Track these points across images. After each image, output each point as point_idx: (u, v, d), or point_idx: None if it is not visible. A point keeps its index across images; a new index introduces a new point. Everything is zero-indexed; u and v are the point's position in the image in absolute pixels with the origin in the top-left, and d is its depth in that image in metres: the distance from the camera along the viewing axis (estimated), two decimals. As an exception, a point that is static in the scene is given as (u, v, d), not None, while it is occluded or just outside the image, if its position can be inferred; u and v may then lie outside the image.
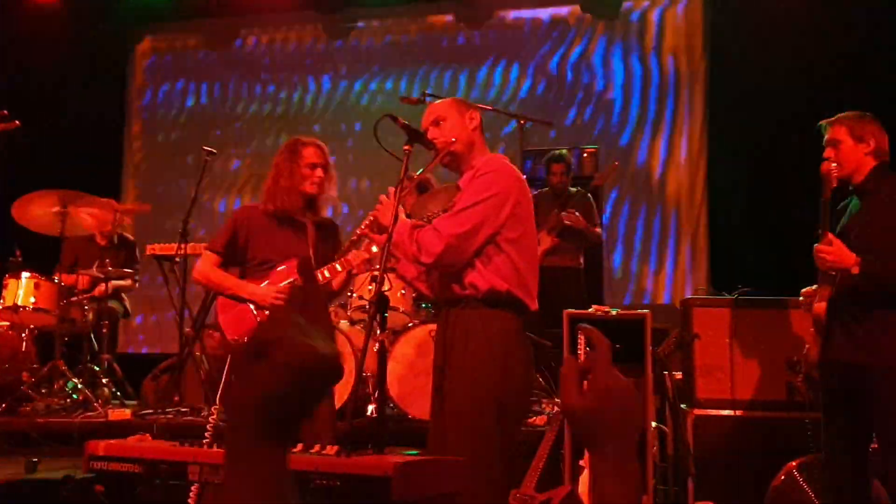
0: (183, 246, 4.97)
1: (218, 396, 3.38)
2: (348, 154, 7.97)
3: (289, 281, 3.49)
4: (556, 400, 4.70)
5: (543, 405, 4.72)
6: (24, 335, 5.38)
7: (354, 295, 5.09)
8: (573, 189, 6.13)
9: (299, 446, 2.05)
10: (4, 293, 5.29)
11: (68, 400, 5.20)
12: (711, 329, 4.16)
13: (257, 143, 8.49)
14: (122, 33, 8.75)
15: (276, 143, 8.43)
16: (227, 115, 8.65)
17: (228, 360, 3.42)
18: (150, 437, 2.25)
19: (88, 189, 5.58)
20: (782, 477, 3.80)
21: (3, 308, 5.28)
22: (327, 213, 3.76)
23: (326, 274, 3.49)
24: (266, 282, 3.50)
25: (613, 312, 3.94)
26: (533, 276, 2.77)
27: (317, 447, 2.00)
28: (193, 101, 8.79)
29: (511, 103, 7.70)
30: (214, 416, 3.25)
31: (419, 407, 4.56)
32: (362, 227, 2.88)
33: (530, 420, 4.38)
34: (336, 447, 1.97)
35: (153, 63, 9.03)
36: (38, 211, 5.34)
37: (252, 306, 3.48)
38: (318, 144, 3.63)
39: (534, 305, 2.76)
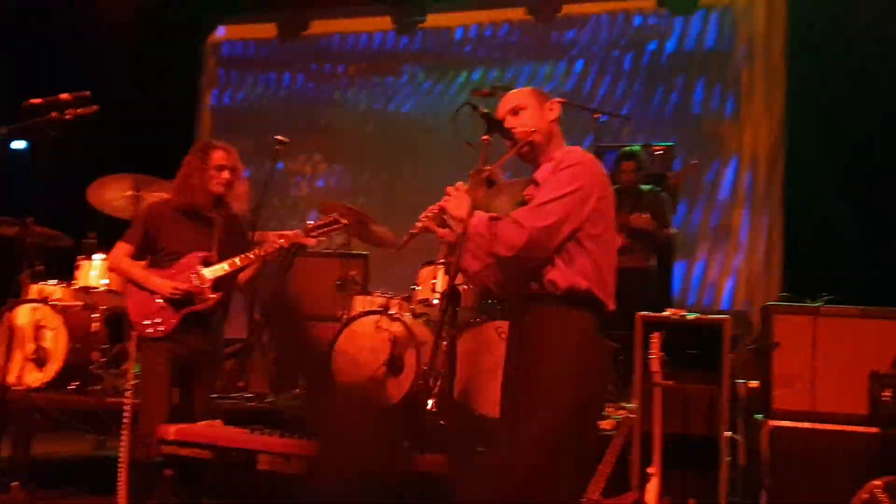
0: (253, 232, 4.98)
1: None
2: (422, 146, 7.92)
3: (193, 271, 3.80)
4: (624, 404, 4.58)
5: (611, 409, 4.59)
6: (95, 316, 5.46)
7: (418, 287, 5.05)
8: (645, 187, 5.97)
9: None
10: (77, 274, 5.38)
11: (137, 380, 5.26)
12: (792, 337, 3.99)
13: (325, 132, 8.51)
14: (195, 21, 8.87)
15: (346, 132, 8.47)
16: (295, 104, 8.70)
17: None
18: (221, 423, 2.23)
19: (161, 174, 5.65)
20: (865, 496, 3.61)
21: (76, 289, 5.38)
22: (239, 208, 4.03)
23: (226, 267, 3.78)
24: (170, 272, 3.82)
25: (690, 317, 3.80)
26: (612, 274, 2.68)
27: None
28: (263, 89, 8.86)
29: (582, 98, 7.55)
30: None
31: (484, 404, 4.48)
32: (422, 219, 2.80)
33: (599, 424, 4.26)
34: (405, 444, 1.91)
35: (225, 51, 9.14)
36: (113, 194, 5.43)
37: (155, 296, 3.79)
38: (226, 148, 3.94)
39: (612, 305, 2.67)
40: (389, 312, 4.77)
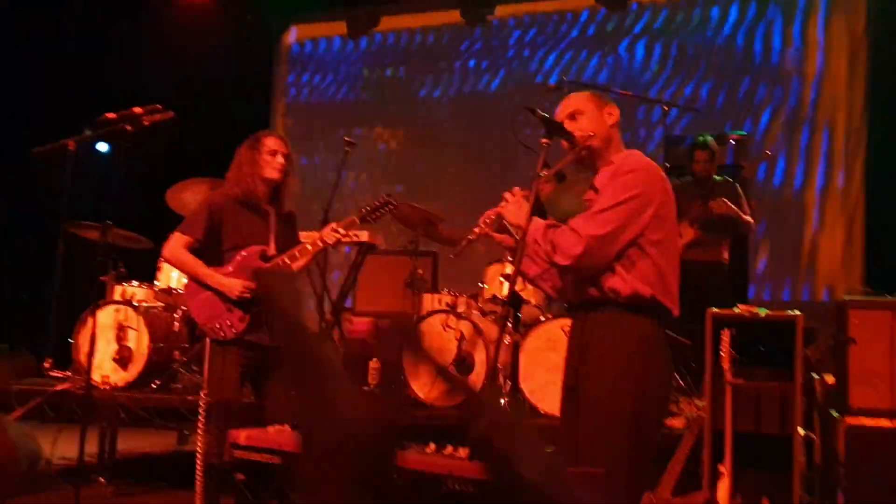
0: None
1: None
2: (487, 145, 7.94)
3: (252, 269, 3.63)
4: (696, 401, 4.52)
5: (682, 406, 4.54)
6: (176, 316, 5.67)
7: (485, 286, 5.08)
8: (718, 178, 5.85)
9: (432, 446, 2.03)
10: (159, 276, 5.59)
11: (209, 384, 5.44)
12: (870, 333, 3.86)
13: (397, 126, 8.59)
14: (267, 23, 9.07)
15: (419, 127, 8.53)
16: (366, 103, 8.81)
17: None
18: (289, 428, 2.30)
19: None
20: (946, 497, 3.49)
21: (159, 290, 5.59)
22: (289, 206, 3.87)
23: (287, 260, 3.66)
24: (230, 269, 3.66)
25: (762, 314, 3.72)
26: (675, 278, 2.64)
27: (449, 448, 1.97)
28: (335, 89, 9.00)
29: (653, 87, 7.43)
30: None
31: (549, 402, 4.49)
32: (481, 224, 2.81)
33: (668, 421, 4.22)
34: (468, 449, 1.94)
35: (297, 52, 9.32)
36: (191, 198, 5.60)
37: (221, 296, 3.61)
38: (279, 135, 3.81)
39: (676, 310, 2.63)
40: (457, 311, 4.81)
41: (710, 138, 5.96)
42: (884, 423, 3.80)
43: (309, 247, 3.71)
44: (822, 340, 4.50)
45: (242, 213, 3.72)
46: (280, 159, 3.72)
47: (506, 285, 4.89)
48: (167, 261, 3.85)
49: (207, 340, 3.65)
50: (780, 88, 7.24)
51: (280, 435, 2.22)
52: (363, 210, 3.80)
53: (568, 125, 2.70)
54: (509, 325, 2.70)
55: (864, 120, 6.90)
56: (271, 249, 3.73)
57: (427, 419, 4.64)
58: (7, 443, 0.89)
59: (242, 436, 2.24)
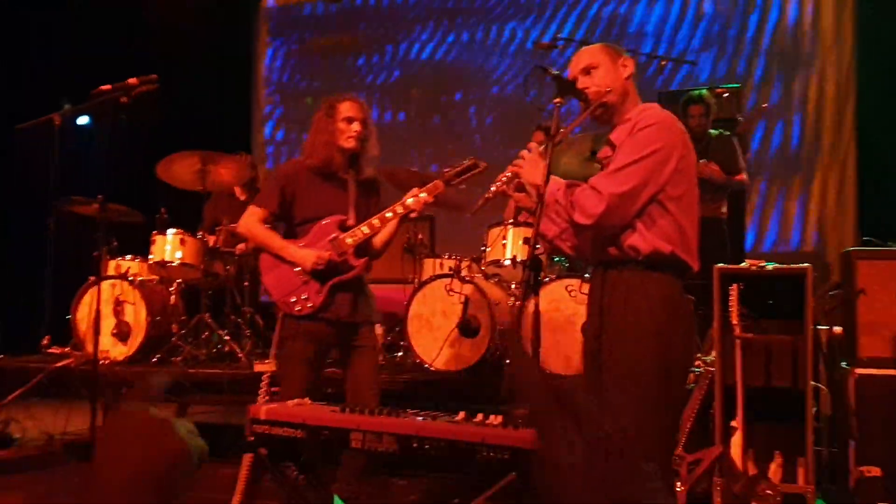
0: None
1: None
2: (486, 108, 7.84)
3: (331, 237, 3.48)
4: (704, 357, 4.51)
5: (690, 363, 4.53)
6: (171, 289, 5.60)
7: (488, 249, 5.03)
8: (713, 132, 5.80)
9: (462, 414, 2.00)
10: (153, 249, 5.51)
11: (214, 351, 5.41)
12: (877, 283, 3.85)
13: (390, 96, 8.46)
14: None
15: (405, 87, 8.40)
16: (355, 68, 8.67)
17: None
18: (308, 401, 2.26)
19: (222, 146, 5.72)
20: (957, 442, 3.51)
21: (152, 263, 5.51)
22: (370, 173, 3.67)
23: (365, 230, 3.48)
24: (305, 240, 3.50)
25: (770, 267, 3.70)
26: (695, 234, 2.60)
27: (479, 416, 1.93)
28: (320, 55, 8.84)
29: (643, 40, 7.33)
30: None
31: (556, 362, 4.47)
32: (497, 184, 2.74)
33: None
34: (501, 417, 1.91)
35: (277, 16, 9.13)
36: (181, 170, 5.51)
37: (296, 269, 3.47)
38: (355, 99, 3.58)
39: (696, 265, 2.59)
40: (460, 275, 4.77)
41: (705, 92, 5.89)
42: (893, 372, 3.81)
43: (389, 214, 3.49)
44: (823, 292, 4.50)
45: (318, 184, 3.55)
46: (356, 126, 3.52)
47: (509, 247, 4.84)
48: (241, 234, 3.69)
49: (280, 315, 3.48)
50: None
51: (301, 408, 2.17)
52: (447, 173, 3.52)
53: (582, 81, 2.63)
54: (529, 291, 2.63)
55: (852, 69, 6.85)
56: (351, 219, 3.56)
57: (433, 384, 4.63)
58: (179, 442, 0.86)
59: (263, 410, 2.20)
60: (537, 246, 2.49)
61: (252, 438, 2.18)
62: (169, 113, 6.99)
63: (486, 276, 4.95)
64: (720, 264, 3.83)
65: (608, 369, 2.47)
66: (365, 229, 3.48)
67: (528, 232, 3.97)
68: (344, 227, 3.52)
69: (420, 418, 2.00)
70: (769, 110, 6.64)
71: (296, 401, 2.26)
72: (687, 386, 4.01)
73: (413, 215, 3.54)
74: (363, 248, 3.54)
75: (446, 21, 8.36)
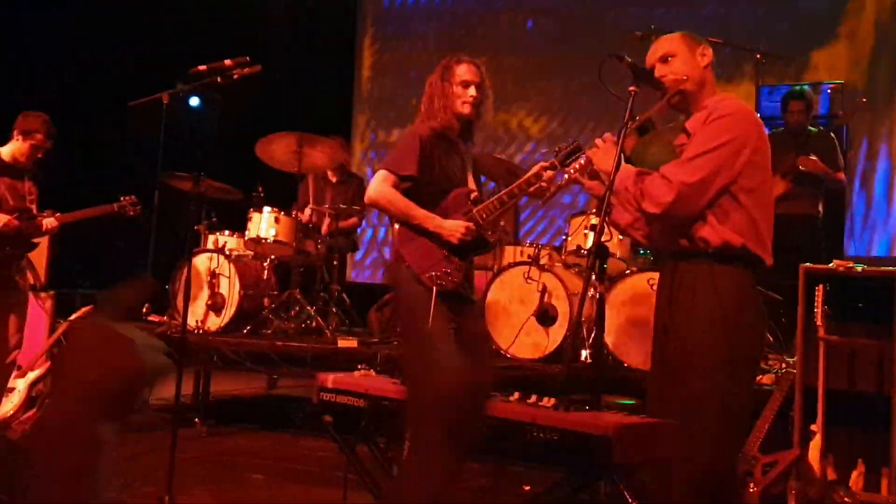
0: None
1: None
2: (573, 95, 7.80)
3: (465, 210, 3.29)
4: (786, 358, 4.40)
5: (771, 363, 4.43)
6: (265, 265, 5.83)
7: (569, 238, 5.02)
8: (813, 129, 5.62)
9: (516, 395, 2.04)
10: (249, 226, 5.74)
11: (302, 325, 5.61)
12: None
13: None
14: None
15: (510, 73, 8.43)
16: (457, 47, 8.74)
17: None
18: (373, 373, 2.34)
19: (322, 128, 5.90)
20: None
21: (248, 239, 5.75)
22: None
23: (498, 205, 3.26)
24: (440, 210, 3.28)
25: (859, 269, 3.57)
26: (769, 228, 2.55)
27: (534, 398, 1.98)
28: (422, 40, 8.95)
29: (746, 34, 7.12)
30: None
31: (635, 356, 4.46)
32: (571, 171, 2.75)
33: (757, 378, 4.13)
34: (553, 399, 1.94)
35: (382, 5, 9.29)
36: (279, 150, 5.72)
37: (438, 242, 3.23)
38: (472, 61, 3.36)
39: (769, 260, 2.54)
40: (539, 263, 4.78)
41: (806, 87, 5.73)
42: None
43: (516, 191, 3.26)
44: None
45: (445, 152, 3.31)
46: (473, 91, 3.28)
47: (591, 237, 4.82)
48: (374, 202, 3.32)
49: (434, 290, 3.11)
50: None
51: (366, 379, 2.26)
52: (558, 154, 3.22)
53: (659, 69, 2.62)
54: (594, 277, 2.62)
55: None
56: (476, 191, 3.36)
57: (508, 370, 4.67)
58: (135, 359, 0.94)
59: (330, 379, 2.30)
60: (604, 233, 2.50)
61: (317, 405, 2.29)
62: (272, 95, 7.26)
63: (566, 266, 4.95)
64: (808, 264, 3.72)
65: (675, 361, 2.46)
66: (497, 204, 3.27)
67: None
68: (473, 201, 3.31)
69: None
70: (868, 106, 6.35)
71: (361, 371, 2.35)
72: (760, 384, 3.94)
73: (547, 194, 3.22)
74: (493, 223, 3.37)
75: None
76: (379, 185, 3.28)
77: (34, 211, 4.72)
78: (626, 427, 1.84)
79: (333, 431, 2.31)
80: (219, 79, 3.45)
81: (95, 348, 0.92)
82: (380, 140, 8.99)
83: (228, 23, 8.40)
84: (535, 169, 3.30)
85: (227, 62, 3.47)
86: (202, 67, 3.45)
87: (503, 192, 3.33)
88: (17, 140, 4.61)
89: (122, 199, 5.03)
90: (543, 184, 3.24)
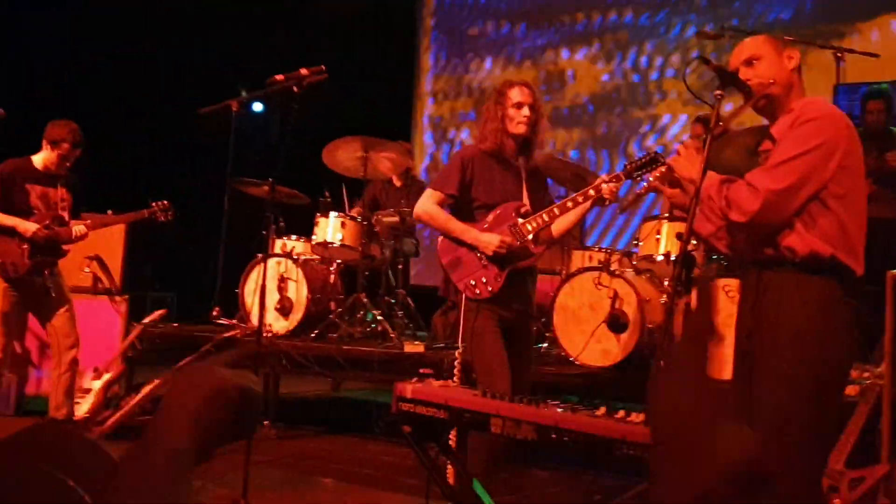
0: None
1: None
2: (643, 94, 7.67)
3: (510, 224, 3.46)
4: (871, 368, 4.23)
5: (856, 373, 4.26)
6: (331, 269, 5.87)
7: (640, 243, 4.93)
8: (894, 129, 5.42)
9: (602, 409, 1.99)
10: (316, 230, 5.78)
11: (368, 329, 5.63)
12: None
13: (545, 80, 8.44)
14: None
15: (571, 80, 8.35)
16: (514, 55, 8.69)
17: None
18: (451, 383, 2.32)
19: (386, 133, 5.91)
20: None
21: (315, 244, 5.79)
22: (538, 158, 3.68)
23: (545, 217, 3.45)
24: (484, 225, 3.49)
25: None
26: (861, 236, 2.44)
27: (622, 413, 1.92)
28: (482, 43, 8.93)
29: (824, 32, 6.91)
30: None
31: (711, 365, 4.34)
32: (651, 179, 2.69)
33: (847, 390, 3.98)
34: (643, 415, 1.88)
35: (440, 8, 9.30)
36: (344, 156, 5.75)
37: (476, 253, 3.45)
38: (524, 83, 3.57)
39: (860, 269, 2.43)
40: (610, 269, 4.71)
41: (885, 86, 5.53)
42: None
43: (570, 203, 3.45)
44: None
45: (494, 169, 3.56)
46: (526, 112, 3.50)
47: (663, 243, 4.72)
48: (419, 217, 3.65)
49: (463, 297, 3.46)
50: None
51: (446, 390, 2.24)
52: (628, 165, 3.42)
53: (744, 72, 2.53)
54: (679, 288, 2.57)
55: None
56: (526, 205, 3.55)
57: (578, 378, 4.61)
58: (233, 386, 0.94)
59: (409, 389, 2.28)
60: (692, 242, 2.43)
61: (397, 415, 2.27)
62: (336, 101, 7.31)
63: (637, 272, 4.85)
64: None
65: (759, 373, 2.38)
66: (545, 217, 3.46)
67: (683, 227, 3.85)
68: (521, 214, 3.50)
69: (560, 410, 2.02)
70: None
71: (440, 382, 2.33)
72: (844, 396, 3.79)
73: (605, 204, 3.46)
74: (541, 236, 3.52)
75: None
76: (423, 201, 3.60)
77: (66, 218, 4.81)
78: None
79: (413, 442, 2.29)
80: (294, 88, 3.47)
81: (194, 385, 0.92)
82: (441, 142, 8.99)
83: (294, 31, 8.50)
84: (596, 182, 3.42)
85: (304, 71, 3.48)
86: (279, 77, 3.47)
87: (554, 205, 3.48)
88: (46, 149, 4.71)
89: (153, 204, 5.08)
90: (605, 196, 3.38)
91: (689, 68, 2.83)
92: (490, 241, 3.42)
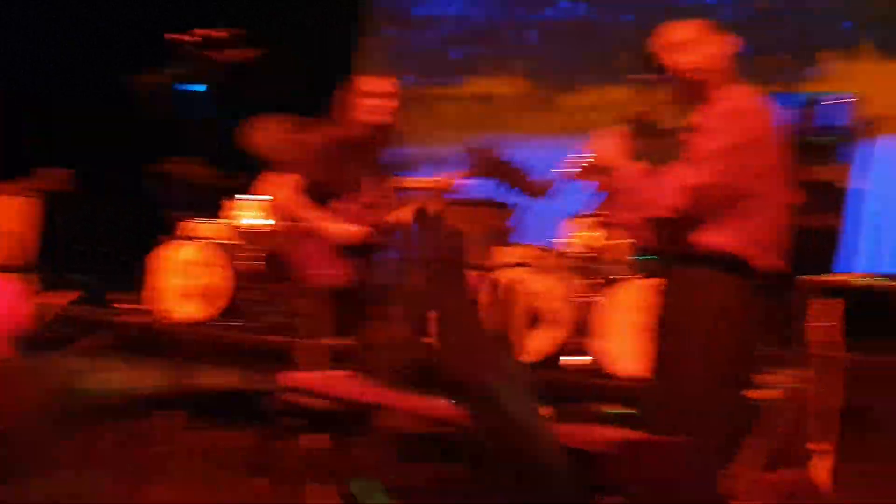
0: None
1: None
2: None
3: (365, 212, 3.48)
4: (795, 373, 4.22)
5: (777, 378, 4.24)
6: (249, 255, 5.59)
7: (568, 239, 4.85)
8: (827, 139, 5.48)
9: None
10: (236, 214, 5.57)
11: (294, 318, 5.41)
12: None
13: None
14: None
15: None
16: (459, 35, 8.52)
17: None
18: (342, 373, 2.16)
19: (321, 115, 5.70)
20: None
21: (242, 229, 5.56)
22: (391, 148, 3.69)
23: (398, 206, 3.46)
24: (339, 213, 3.49)
25: (875, 283, 3.41)
26: (780, 232, 2.39)
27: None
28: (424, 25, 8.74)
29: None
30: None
31: (627, 362, 4.25)
32: (576, 166, 2.58)
33: (765, 393, 3.95)
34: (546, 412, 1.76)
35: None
36: (273, 136, 5.51)
37: (329, 242, 3.46)
38: (377, 75, 3.67)
39: (777, 267, 2.37)
40: (534, 265, 4.60)
41: (816, 96, 5.65)
42: None
43: (421, 191, 3.55)
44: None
45: (348, 158, 3.56)
46: (376, 102, 3.54)
47: (590, 235, 4.64)
48: (277, 207, 3.66)
49: (315, 287, 3.48)
50: None
51: (334, 380, 2.08)
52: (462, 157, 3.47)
53: (671, 57, 2.43)
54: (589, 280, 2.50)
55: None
56: (374, 196, 3.57)
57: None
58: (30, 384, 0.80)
59: (294, 378, 2.12)
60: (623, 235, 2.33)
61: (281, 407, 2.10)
62: (267, 77, 7.06)
63: (563, 268, 4.75)
64: (821, 276, 3.55)
65: (668, 368, 2.35)
66: (398, 205, 3.49)
67: (612, 222, 3.78)
68: (375, 203, 3.52)
69: (452, 402, 1.87)
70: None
71: (330, 372, 2.17)
72: (763, 398, 3.78)
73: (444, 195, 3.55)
74: (389, 224, 3.53)
75: None
76: (275, 186, 3.57)
77: None
78: (621, 443, 1.66)
79: (299, 432, 2.13)
80: (213, 53, 3.24)
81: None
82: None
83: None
84: (447, 174, 3.53)
85: (218, 32, 3.25)
86: (183, 36, 3.23)
87: (401, 196, 3.53)
88: None
89: (48, 172, 4.80)
90: (453, 189, 3.51)
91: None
92: (346, 230, 3.44)
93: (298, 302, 3.59)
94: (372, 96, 3.51)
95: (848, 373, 3.40)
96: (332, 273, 3.43)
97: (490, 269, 4.79)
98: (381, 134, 3.58)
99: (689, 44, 2.44)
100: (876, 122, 6.12)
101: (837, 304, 3.38)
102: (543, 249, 4.98)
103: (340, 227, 3.45)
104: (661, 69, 2.43)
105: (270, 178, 3.60)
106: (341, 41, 8.66)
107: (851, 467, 3.43)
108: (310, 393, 2.06)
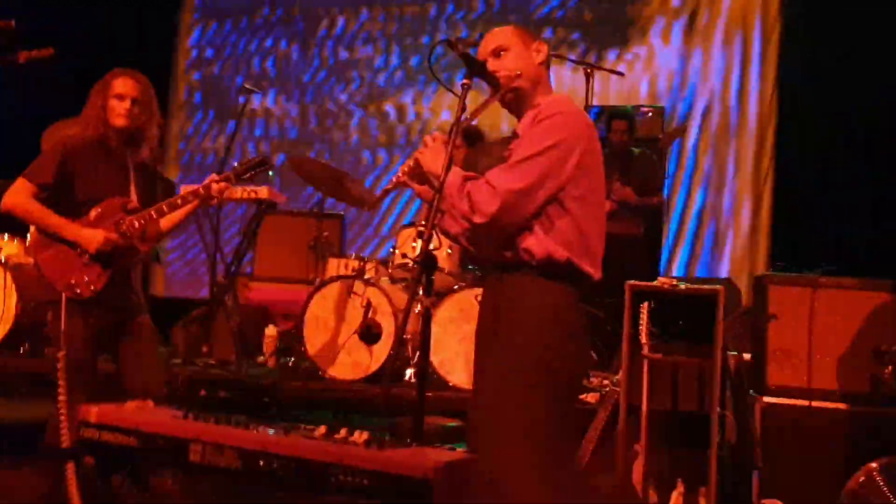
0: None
1: None
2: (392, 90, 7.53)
3: (116, 220, 3.28)
4: (610, 376, 4.35)
5: (595, 381, 4.37)
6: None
7: (396, 251, 4.76)
8: (636, 149, 5.72)
9: (322, 429, 1.71)
10: (32, 230, 5.04)
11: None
12: (789, 310, 3.74)
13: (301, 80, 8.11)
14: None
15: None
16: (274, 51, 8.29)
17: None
18: (152, 404, 1.94)
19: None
20: (861, 478, 3.41)
21: (30, 244, 5.05)
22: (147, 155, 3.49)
23: (153, 214, 3.28)
24: (88, 221, 3.27)
25: (682, 286, 3.55)
26: (599, 239, 2.38)
27: (343, 432, 1.66)
28: (237, 38, 8.44)
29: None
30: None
31: (460, 374, 4.28)
32: (399, 174, 2.50)
33: (582, 396, 4.04)
34: (366, 434, 1.63)
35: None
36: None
37: (77, 250, 3.24)
38: (131, 75, 3.39)
39: (597, 274, 2.37)
40: (364, 277, 4.48)
41: (629, 108, 5.85)
42: (800, 402, 3.70)
43: (179, 202, 3.31)
44: (736, 316, 4.40)
45: (99, 162, 3.33)
46: (126, 104, 3.30)
47: (419, 245, 4.57)
48: (9, 210, 3.30)
49: (63, 297, 3.17)
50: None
51: (136, 413, 1.86)
52: (237, 166, 3.43)
53: (492, 63, 2.39)
54: (421, 291, 2.42)
55: (772, 105, 6.83)
56: (133, 202, 3.35)
57: (327, 392, 4.34)
58: None
59: (93, 412, 1.88)
60: (432, 241, 2.24)
61: (78, 445, 1.86)
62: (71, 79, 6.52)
63: (393, 280, 4.68)
64: (632, 281, 3.67)
65: (493, 376, 2.28)
66: (153, 213, 3.30)
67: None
68: (128, 210, 3.32)
69: (271, 431, 1.71)
70: (689, 132, 6.58)
71: (137, 402, 1.95)
72: (583, 402, 3.87)
73: (213, 203, 3.39)
74: (148, 232, 3.37)
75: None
76: (14, 192, 3.28)
77: None
78: (449, 466, 1.56)
79: (97, 476, 1.89)
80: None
81: None
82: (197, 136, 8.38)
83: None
84: (206, 181, 3.37)
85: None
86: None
87: (163, 203, 3.33)
88: None
89: None
90: (214, 195, 3.34)
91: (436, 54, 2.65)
92: (93, 237, 3.23)
93: (50, 315, 3.24)
94: (124, 98, 3.30)
95: (653, 374, 3.52)
96: (76, 281, 3.19)
97: (319, 283, 4.64)
98: (131, 137, 3.35)
99: (511, 50, 2.41)
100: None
101: (643, 308, 3.50)
102: (375, 260, 4.89)
103: (80, 233, 3.22)
104: (487, 75, 2.38)
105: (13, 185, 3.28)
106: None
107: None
108: (113, 428, 1.83)
